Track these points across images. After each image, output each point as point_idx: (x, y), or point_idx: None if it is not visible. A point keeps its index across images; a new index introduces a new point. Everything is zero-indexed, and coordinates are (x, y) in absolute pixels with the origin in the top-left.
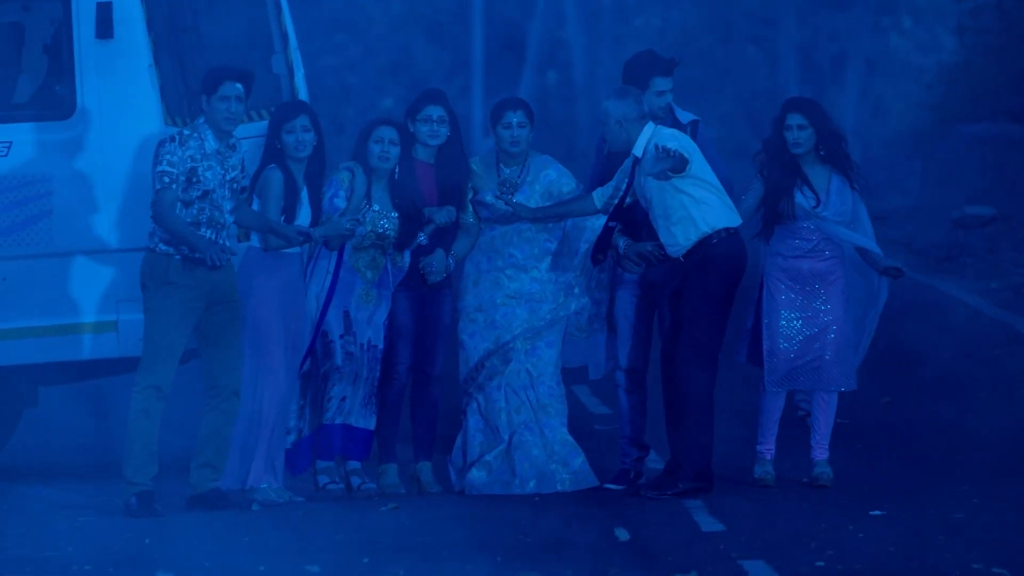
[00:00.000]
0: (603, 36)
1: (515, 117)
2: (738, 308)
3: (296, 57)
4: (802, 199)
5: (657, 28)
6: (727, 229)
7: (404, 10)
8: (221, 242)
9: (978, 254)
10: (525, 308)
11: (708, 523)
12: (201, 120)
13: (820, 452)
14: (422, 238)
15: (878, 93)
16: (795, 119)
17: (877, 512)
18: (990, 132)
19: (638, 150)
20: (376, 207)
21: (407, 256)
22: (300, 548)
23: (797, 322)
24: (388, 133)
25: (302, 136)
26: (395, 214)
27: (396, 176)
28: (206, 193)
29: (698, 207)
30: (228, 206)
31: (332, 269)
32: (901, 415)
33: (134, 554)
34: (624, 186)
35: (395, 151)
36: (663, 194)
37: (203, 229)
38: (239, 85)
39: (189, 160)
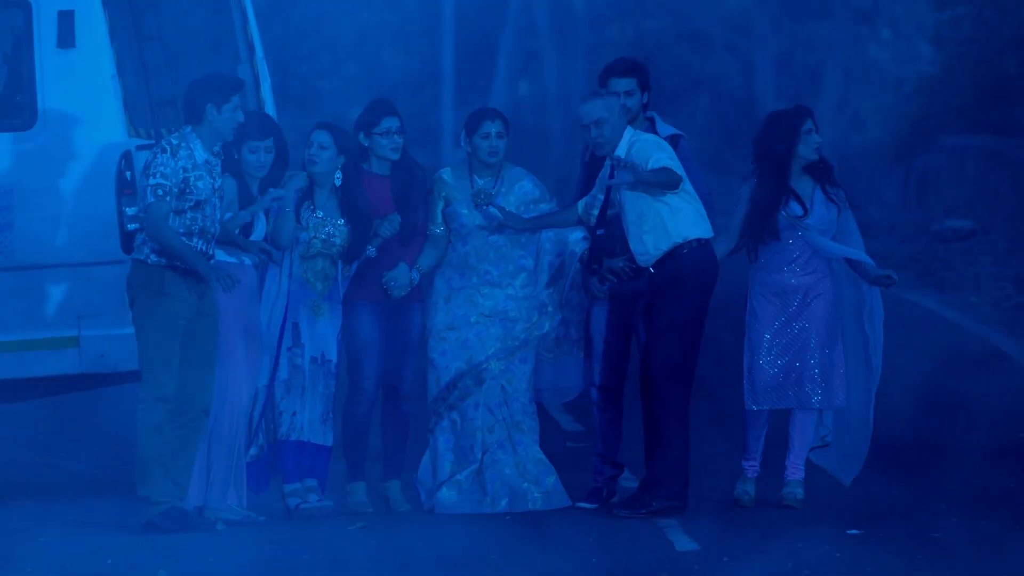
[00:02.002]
0: (576, 46)
1: (493, 127)
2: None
3: (263, 67)
4: (784, 211)
5: (631, 38)
6: (698, 240)
7: (372, 19)
8: (211, 253)
9: (957, 268)
10: (499, 327)
11: (682, 542)
12: (188, 129)
13: (794, 472)
14: (370, 251)
15: (856, 104)
16: (810, 124)
17: (855, 531)
18: (969, 144)
19: (621, 151)
20: (320, 213)
21: (353, 267)
22: (267, 568)
23: (778, 339)
24: (318, 137)
25: (264, 157)
26: (341, 222)
27: (338, 183)
28: (198, 203)
29: (673, 216)
30: (218, 216)
31: (283, 286)
32: (879, 432)
33: (95, 575)
34: (603, 195)
35: (324, 155)
36: (639, 201)
37: (195, 239)
38: (236, 97)
39: (182, 171)
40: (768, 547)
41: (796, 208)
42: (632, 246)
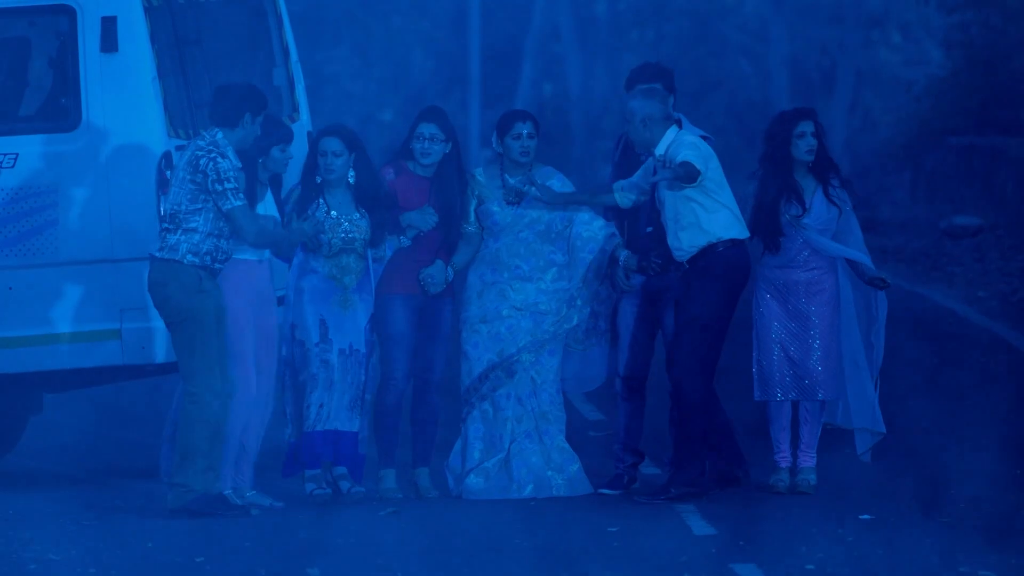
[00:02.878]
0: (598, 49)
1: (525, 128)
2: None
3: (297, 70)
4: (786, 208)
5: (651, 41)
6: (733, 240)
7: (402, 24)
8: (229, 251)
9: (966, 263)
10: (530, 320)
11: (700, 527)
12: (220, 136)
13: (805, 459)
14: (405, 241)
15: (867, 105)
16: (809, 127)
17: (866, 516)
18: (977, 143)
19: (660, 150)
20: (334, 214)
21: (388, 251)
22: (300, 552)
23: (783, 333)
24: (330, 145)
25: (291, 155)
26: (356, 216)
27: (352, 180)
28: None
29: (707, 215)
30: None
31: (296, 279)
32: (889, 420)
33: (136, 558)
34: (648, 186)
35: (339, 161)
36: (676, 200)
37: (222, 240)
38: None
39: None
40: (783, 531)
41: (795, 207)
42: (669, 241)
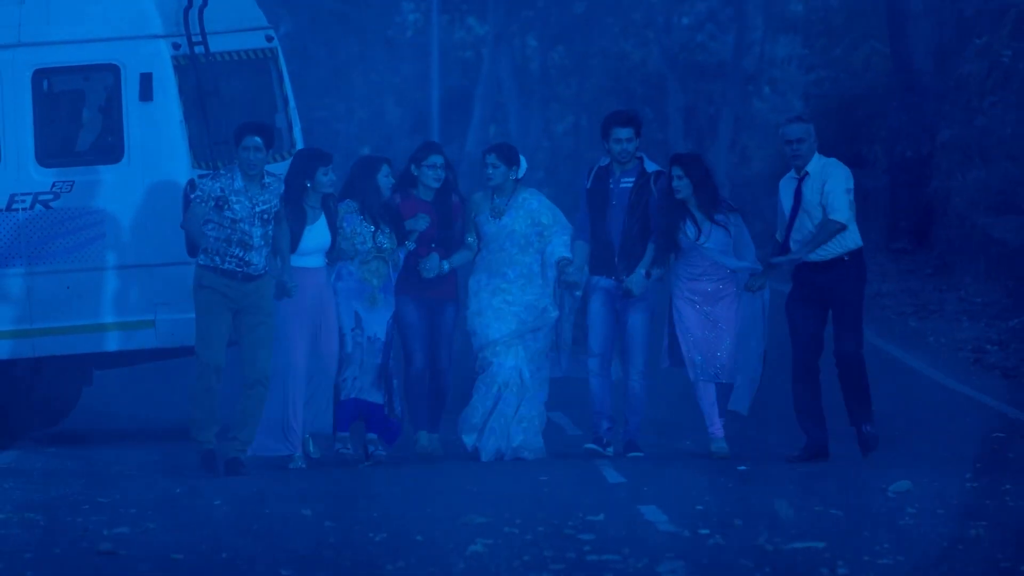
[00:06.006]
0: (533, 99)
1: (490, 158)
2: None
3: (294, 115)
4: (685, 234)
5: (574, 92)
6: (860, 247)
7: (378, 79)
8: (248, 258)
9: None
10: (516, 311)
11: (613, 476)
12: (235, 163)
13: (718, 431)
14: (410, 245)
15: (744, 144)
16: (676, 171)
17: (742, 468)
18: None
19: (814, 169)
20: (372, 227)
21: (400, 257)
22: (298, 497)
23: (702, 329)
24: (387, 168)
25: (332, 176)
26: (388, 229)
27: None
28: (234, 221)
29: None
30: (258, 231)
31: (334, 281)
32: (765, 399)
33: (167, 501)
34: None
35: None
36: (816, 212)
37: (234, 247)
38: (258, 138)
39: (219, 190)
40: (679, 480)
41: (692, 229)
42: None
